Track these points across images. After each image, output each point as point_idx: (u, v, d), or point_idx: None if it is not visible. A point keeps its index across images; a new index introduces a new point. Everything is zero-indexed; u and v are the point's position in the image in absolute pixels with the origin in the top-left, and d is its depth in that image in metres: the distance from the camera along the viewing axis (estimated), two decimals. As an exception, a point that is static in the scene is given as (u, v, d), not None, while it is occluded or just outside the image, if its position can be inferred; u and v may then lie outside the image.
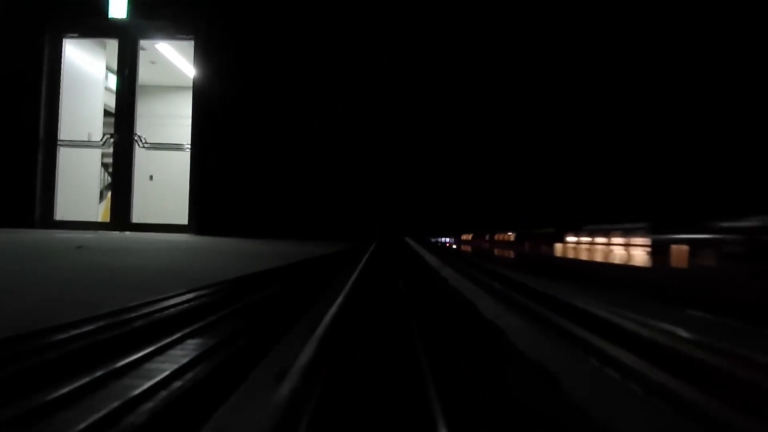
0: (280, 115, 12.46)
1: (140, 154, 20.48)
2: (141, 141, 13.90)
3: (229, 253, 7.36)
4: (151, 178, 19.83)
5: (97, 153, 15.58)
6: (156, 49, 16.88)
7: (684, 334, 2.65)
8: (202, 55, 12.85)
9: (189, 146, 13.51)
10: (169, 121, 18.83)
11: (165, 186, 17.79)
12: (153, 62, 17.99)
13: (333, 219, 12.27)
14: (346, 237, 12.05)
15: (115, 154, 13.72)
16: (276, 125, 12.55)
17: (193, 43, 13.65)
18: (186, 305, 3.36)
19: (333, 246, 9.34)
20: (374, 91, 12.13)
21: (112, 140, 13.74)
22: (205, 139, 13.16)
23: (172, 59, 17.10)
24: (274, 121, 12.51)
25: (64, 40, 13.80)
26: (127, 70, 13.72)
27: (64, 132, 14.10)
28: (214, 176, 12.97)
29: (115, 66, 14.93)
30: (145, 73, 19.09)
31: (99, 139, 13.67)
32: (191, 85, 14.82)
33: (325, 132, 12.36)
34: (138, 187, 20.13)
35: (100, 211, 16.93)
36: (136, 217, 18.36)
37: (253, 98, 12.72)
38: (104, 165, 16.72)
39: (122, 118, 13.64)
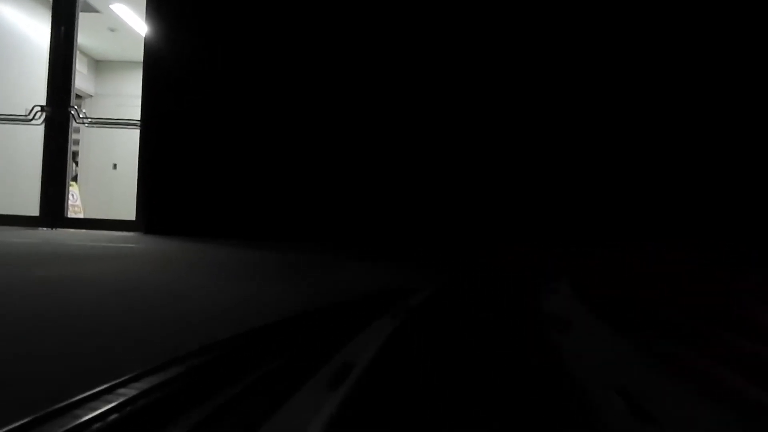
0: (252, 87, 9.85)
1: (100, 138, 17.86)
2: (78, 115, 11.22)
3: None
4: (114, 167, 17.30)
5: (37, 132, 12.94)
6: (113, 11, 14.28)
7: None
8: (155, 8, 10.24)
9: (139, 122, 10.85)
10: (135, 102, 16.30)
11: (132, 177, 15.28)
12: (112, 30, 15.39)
13: (323, 219, 9.58)
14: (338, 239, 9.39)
15: (46, 132, 11.07)
16: (247, 99, 9.93)
17: None
18: None
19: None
20: (369, 66, 9.54)
21: (42, 115, 11.06)
22: (159, 114, 10.51)
23: (137, 27, 14.50)
24: (244, 94, 9.90)
25: (-14, -10, 11.18)
26: (63, 26, 11.05)
27: (-9, 105, 11.45)
28: (168, 161, 10.31)
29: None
30: (103, 44, 16.49)
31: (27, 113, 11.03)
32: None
33: (309, 110, 9.75)
34: (99, 177, 17.56)
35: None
36: (89, 210, 15.81)
37: (219, 66, 10.09)
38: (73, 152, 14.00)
39: (56, 88, 11.00)
